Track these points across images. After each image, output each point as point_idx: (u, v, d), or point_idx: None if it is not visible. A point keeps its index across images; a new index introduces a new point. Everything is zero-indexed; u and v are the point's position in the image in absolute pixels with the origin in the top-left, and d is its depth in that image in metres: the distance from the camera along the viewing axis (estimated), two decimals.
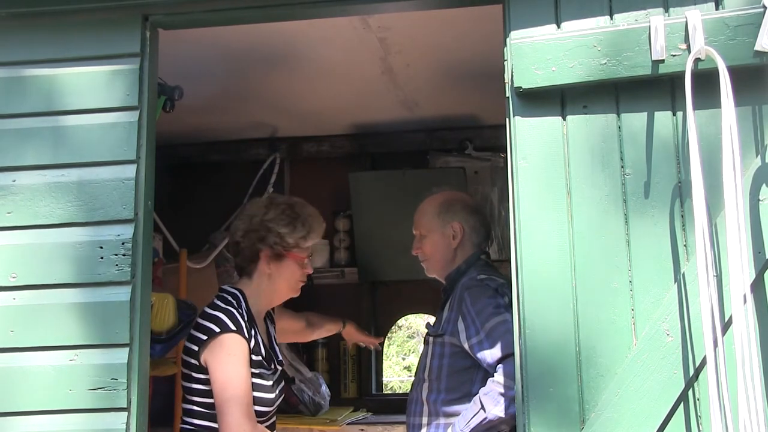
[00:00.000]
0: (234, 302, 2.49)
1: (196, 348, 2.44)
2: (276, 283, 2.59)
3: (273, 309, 2.80)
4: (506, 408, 2.34)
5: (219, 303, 2.49)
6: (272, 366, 2.56)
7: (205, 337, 2.41)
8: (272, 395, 2.52)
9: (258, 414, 2.43)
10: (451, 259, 2.76)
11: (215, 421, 2.38)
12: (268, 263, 2.56)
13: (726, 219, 1.91)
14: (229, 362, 2.38)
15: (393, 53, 3.20)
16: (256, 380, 2.44)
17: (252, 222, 2.58)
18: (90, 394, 2.14)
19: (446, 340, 2.60)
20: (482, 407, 2.38)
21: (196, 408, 2.47)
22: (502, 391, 2.35)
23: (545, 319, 2.01)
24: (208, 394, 2.42)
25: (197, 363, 2.44)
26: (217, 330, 2.40)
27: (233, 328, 2.40)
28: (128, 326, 2.17)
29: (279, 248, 2.55)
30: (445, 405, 2.56)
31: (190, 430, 2.48)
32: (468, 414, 2.43)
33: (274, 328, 2.76)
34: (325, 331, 3.20)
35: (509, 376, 2.34)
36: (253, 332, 2.48)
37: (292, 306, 4.36)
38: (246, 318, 2.48)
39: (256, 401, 2.43)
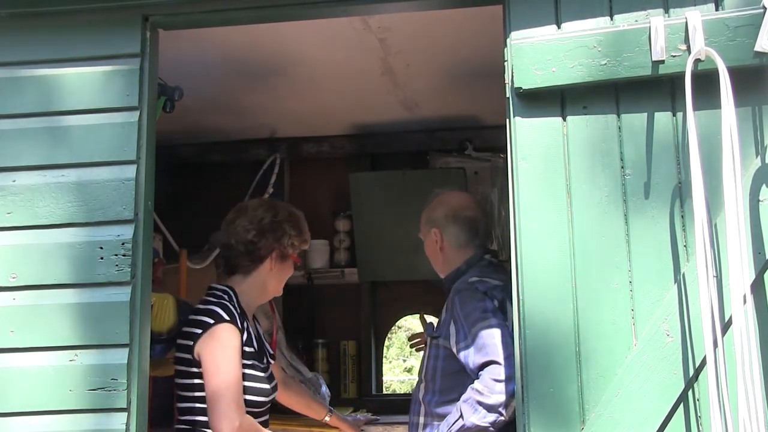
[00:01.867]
0: (225, 297, 2.55)
1: (191, 343, 2.46)
2: (270, 281, 2.67)
3: (258, 321, 2.82)
4: (484, 416, 2.34)
5: (211, 299, 2.54)
6: (264, 361, 2.61)
7: (199, 331, 2.44)
8: (268, 386, 2.56)
9: (254, 404, 2.47)
10: (443, 262, 2.78)
11: None
12: (274, 262, 2.64)
13: (726, 219, 1.91)
14: (220, 352, 2.41)
15: (393, 54, 3.20)
16: (249, 371, 2.48)
17: (262, 223, 2.63)
18: (90, 394, 2.14)
19: (440, 342, 2.61)
20: (461, 415, 2.39)
21: (198, 405, 2.46)
22: (480, 399, 2.35)
23: (545, 319, 2.01)
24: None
25: (191, 357, 2.45)
26: (212, 321, 2.44)
27: (227, 318, 2.45)
28: (128, 327, 2.17)
29: (288, 249, 2.66)
30: (439, 406, 2.57)
31: (187, 429, 2.49)
32: (450, 420, 2.45)
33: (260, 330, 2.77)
34: (305, 406, 3.08)
35: (488, 383, 2.34)
36: (245, 325, 2.53)
37: (293, 306, 4.41)
38: (238, 311, 2.52)
39: (251, 391, 2.47)
